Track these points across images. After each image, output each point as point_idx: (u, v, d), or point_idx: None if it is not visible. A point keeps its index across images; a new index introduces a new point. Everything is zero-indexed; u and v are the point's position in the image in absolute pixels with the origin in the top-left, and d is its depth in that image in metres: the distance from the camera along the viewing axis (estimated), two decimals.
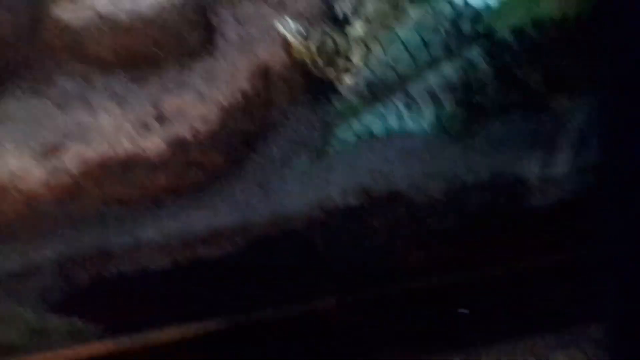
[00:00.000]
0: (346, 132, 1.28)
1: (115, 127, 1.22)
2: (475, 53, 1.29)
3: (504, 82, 1.28)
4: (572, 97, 1.26)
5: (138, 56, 1.30)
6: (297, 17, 1.40)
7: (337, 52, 1.36)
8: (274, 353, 1.16)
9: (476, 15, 1.22)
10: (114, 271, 1.10)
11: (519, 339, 1.22)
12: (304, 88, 1.37)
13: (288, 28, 1.34)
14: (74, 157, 1.19)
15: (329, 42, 1.36)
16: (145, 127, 1.23)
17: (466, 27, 1.28)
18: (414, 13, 1.32)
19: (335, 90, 1.34)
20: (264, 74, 1.36)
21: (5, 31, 1.28)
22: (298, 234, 1.10)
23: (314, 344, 1.15)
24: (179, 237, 1.10)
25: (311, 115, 1.33)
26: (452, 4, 1.17)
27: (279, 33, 1.36)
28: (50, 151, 1.20)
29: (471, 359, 1.20)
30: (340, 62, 1.37)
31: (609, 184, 0.86)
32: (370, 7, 1.46)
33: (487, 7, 1.10)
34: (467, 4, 1.08)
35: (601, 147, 0.89)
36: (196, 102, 1.27)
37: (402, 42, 1.31)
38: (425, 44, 1.31)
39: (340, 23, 1.47)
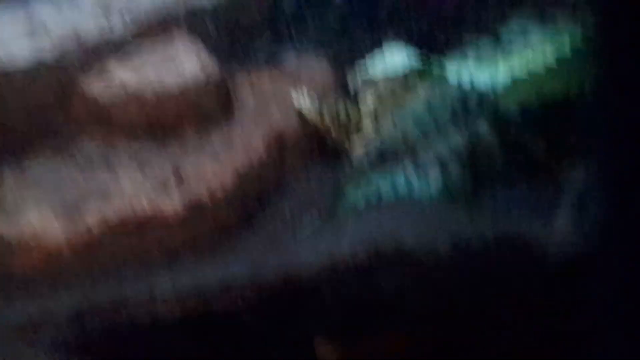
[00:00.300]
0: (356, 196, 1.32)
1: (135, 188, 1.28)
2: (481, 125, 1.35)
3: (508, 153, 1.33)
4: (573, 166, 1.31)
5: (160, 125, 1.37)
6: (311, 90, 1.48)
7: (349, 123, 1.43)
8: None
9: (483, 93, 1.28)
10: (127, 322, 1.12)
11: None
12: (317, 155, 1.43)
13: (303, 103, 1.42)
14: (95, 215, 1.24)
15: (342, 115, 1.43)
16: (164, 188, 1.28)
17: (473, 103, 1.35)
18: (423, 91, 1.40)
19: (347, 158, 1.39)
20: (278, 141, 1.42)
21: (37, 102, 1.36)
22: (306, 289, 1.13)
23: None
24: (192, 291, 1.13)
25: (323, 179, 1.38)
26: (459, 84, 1.24)
27: (294, 105, 1.43)
28: (72, 210, 1.25)
29: None
30: (353, 132, 1.43)
31: (610, 243, 0.89)
32: (381, 85, 1.55)
33: (493, 88, 1.17)
34: (473, 86, 1.15)
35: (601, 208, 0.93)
36: (213, 166, 1.33)
37: (412, 114, 1.38)
38: (434, 115, 1.37)
39: (353, 97, 1.55)
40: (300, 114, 1.43)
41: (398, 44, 1.21)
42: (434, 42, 1.54)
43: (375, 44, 1.60)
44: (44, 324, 1.12)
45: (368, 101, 1.52)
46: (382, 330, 1.13)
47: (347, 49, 1.63)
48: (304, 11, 1.71)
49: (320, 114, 1.41)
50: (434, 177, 1.33)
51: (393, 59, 1.22)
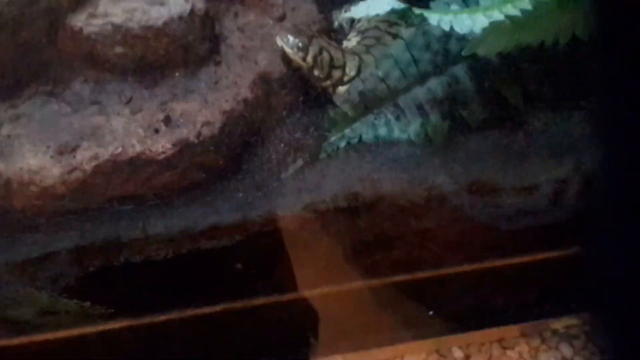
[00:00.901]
0: (338, 139, 1.38)
1: (126, 129, 1.33)
2: (460, 70, 1.40)
3: (485, 98, 1.39)
4: (548, 113, 1.37)
5: (148, 63, 1.40)
6: (297, 29, 1.51)
7: (333, 64, 1.47)
8: (268, 333, 1.27)
9: (462, 38, 1.32)
10: (121, 260, 1.20)
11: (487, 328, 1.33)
12: (301, 96, 1.47)
13: (286, 42, 1.44)
14: (88, 155, 1.29)
15: (325, 55, 1.46)
16: (154, 129, 1.33)
17: (453, 47, 1.39)
18: (405, 32, 1.43)
19: (330, 100, 1.44)
20: (264, 82, 1.46)
21: (24, 39, 1.37)
22: (289, 232, 1.21)
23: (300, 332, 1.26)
24: (182, 231, 1.21)
25: (306, 121, 1.43)
26: (440, 29, 1.27)
27: (278, 44, 1.46)
28: (65, 150, 1.30)
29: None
30: (336, 73, 1.47)
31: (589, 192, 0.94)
32: (365, 24, 1.57)
33: (472, 33, 1.20)
34: (452, 29, 1.18)
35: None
36: (201, 107, 1.38)
37: (394, 58, 1.42)
38: (415, 60, 1.41)
39: (337, 38, 1.58)
40: (284, 54, 1.46)
41: None
42: None
43: None
44: (42, 260, 1.20)
45: (352, 43, 1.55)
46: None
47: None
48: None
49: (304, 54, 1.44)
50: (413, 120, 1.39)
51: (377, 2, 1.25)
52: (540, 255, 1.33)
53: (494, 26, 1.18)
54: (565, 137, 1.28)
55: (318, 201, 1.22)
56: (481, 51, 1.24)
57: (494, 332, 1.37)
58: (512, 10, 1.21)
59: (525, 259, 1.31)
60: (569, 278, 1.22)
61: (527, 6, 1.20)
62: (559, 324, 1.39)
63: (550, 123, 1.35)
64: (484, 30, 1.19)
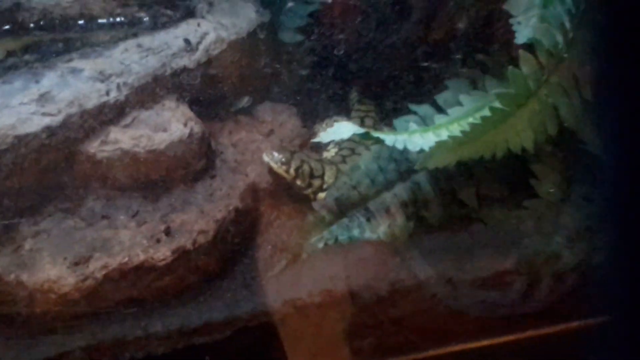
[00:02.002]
0: (317, 240, 1.58)
1: (132, 240, 1.53)
2: (421, 177, 1.60)
3: (444, 200, 1.58)
4: (498, 211, 1.56)
5: (153, 181, 1.62)
6: (280, 146, 1.73)
7: (312, 174, 1.68)
8: None
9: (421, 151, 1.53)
10: (126, 356, 1.39)
11: None
12: (286, 204, 1.68)
13: (271, 157, 1.67)
14: (99, 265, 1.49)
15: (306, 167, 1.68)
16: (156, 240, 1.54)
17: (414, 157, 1.60)
18: (374, 146, 1.65)
19: (311, 206, 1.65)
20: (253, 191, 1.68)
21: (46, 165, 1.60)
22: (272, 326, 1.39)
23: None
24: (178, 329, 1.39)
25: (290, 225, 1.63)
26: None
27: (265, 159, 1.69)
28: (80, 261, 1.50)
29: None
30: (315, 182, 1.69)
31: None
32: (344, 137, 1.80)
33: (422, 151, 1.41)
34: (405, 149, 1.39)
35: None
36: (197, 217, 1.58)
37: (364, 169, 1.63)
38: (382, 170, 1.62)
39: (317, 151, 1.80)
40: (270, 167, 1.68)
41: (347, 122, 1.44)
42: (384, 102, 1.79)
43: (337, 98, 1.85)
44: (59, 359, 1.38)
45: (331, 153, 1.78)
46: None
47: (313, 104, 1.89)
48: (277, 68, 1.96)
49: (287, 167, 1.66)
50: (382, 222, 1.58)
51: (341, 128, 1.47)
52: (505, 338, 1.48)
53: (439, 144, 1.39)
54: (511, 233, 1.46)
55: (296, 298, 1.41)
56: (430, 165, 1.45)
57: None
58: (456, 130, 1.42)
59: (486, 342, 1.46)
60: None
61: (467, 127, 1.41)
62: None
63: (502, 219, 1.54)
64: (430, 148, 1.39)
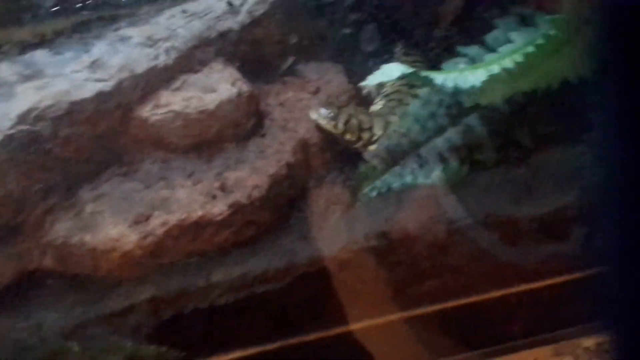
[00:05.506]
0: (370, 190, 1.58)
1: (189, 198, 1.56)
2: (473, 119, 1.58)
3: (498, 142, 1.57)
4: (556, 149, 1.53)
5: (205, 141, 1.65)
6: (327, 101, 1.74)
7: (361, 127, 1.68)
8: None
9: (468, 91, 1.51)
10: (191, 307, 1.42)
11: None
12: (337, 158, 1.69)
13: (319, 114, 1.67)
14: (159, 223, 1.53)
15: (354, 121, 1.68)
16: (212, 196, 1.56)
17: (463, 99, 1.58)
18: (422, 92, 1.63)
19: (361, 158, 1.65)
20: (303, 147, 1.69)
21: (102, 130, 1.64)
22: (330, 273, 1.40)
23: None
24: (239, 277, 1.42)
25: (343, 178, 1.64)
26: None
27: (312, 117, 1.69)
28: (140, 220, 1.54)
29: None
30: (364, 135, 1.68)
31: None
32: (389, 89, 1.79)
33: (473, 87, 1.39)
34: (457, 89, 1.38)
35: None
36: (250, 173, 1.61)
37: (414, 115, 1.62)
38: (432, 115, 1.61)
39: (364, 102, 1.80)
40: (318, 124, 1.69)
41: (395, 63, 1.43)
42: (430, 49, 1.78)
43: (381, 53, 1.85)
44: (125, 312, 1.42)
45: (378, 106, 1.77)
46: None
47: (358, 60, 1.88)
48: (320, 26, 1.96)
49: (335, 122, 1.67)
50: (435, 167, 1.58)
51: (388, 70, 1.46)
52: (565, 277, 1.46)
53: (491, 78, 1.37)
54: (569, 169, 1.44)
55: (352, 244, 1.42)
56: (482, 100, 1.43)
57: (528, 353, 1.49)
58: (509, 64, 1.40)
59: (549, 282, 1.45)
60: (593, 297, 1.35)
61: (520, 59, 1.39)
62: (590, 342, 1.51)
63: (559, 156, 1.51)
64: (483, 82, 1.38)
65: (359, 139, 1.66)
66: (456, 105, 1.60)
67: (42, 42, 1.73)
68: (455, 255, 1.42)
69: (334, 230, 1.47)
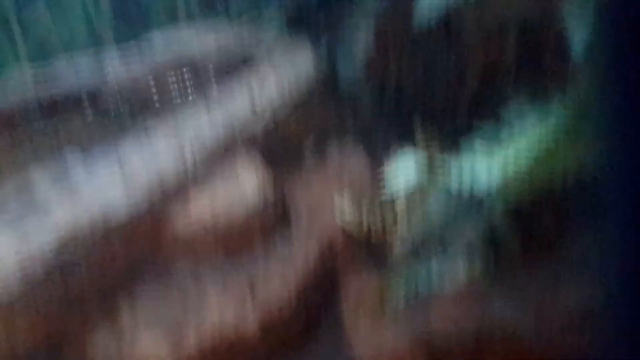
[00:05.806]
0: (397, 293, 1.59)
1: (221, 305, 1.60)
2: (495, 214, 1.59)
3: (521, 234, 1.57)
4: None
5: (234, 250, 1.69)
6: (351, 198, 1.77)
7: (384, 225, 1.71)
8: None
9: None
10: None
11: None
12: (362, 256, 1.71)
13: (344, 212, 1.71)
14: (192, 334, 1.56)
15: (377, 220, 1.71)
16: (243, 303, 1.60)
17: (482, 199, 1.59)
18: (441, 190, 1.65)
19: (386, 255, 1.66)
20: (329, 251, 1.72)
21: (136, 241, 1.69)
22: None
23: None
24: None
25: (369, 279, 1.66)
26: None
27: (337, 217, 1.73)
28: (174, 329, 1.58)
29: None
30: (388, 233, 1.70)
31: None
32: (411, 185, 1.81)
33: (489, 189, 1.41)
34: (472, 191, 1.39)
35: None
36: (280, 281, 1.64)
37: (436, 213, 1.64)
38: (454, 211, 1.62)
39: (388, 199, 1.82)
40: (343, 225, 1.72)
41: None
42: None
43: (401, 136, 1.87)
44: None
45: (400, 202, 1.79)
46: None
47: (376, 137, 1.92)
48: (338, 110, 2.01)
49: (360, 222, 1.70)
50: (461, 265, 1.58)
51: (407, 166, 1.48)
52: None
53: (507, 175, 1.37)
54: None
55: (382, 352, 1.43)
56: (498, 206, 1.44)
57: None
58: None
59: None
60: None
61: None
62: None
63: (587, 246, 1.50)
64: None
65: (383, 237, 1.68)
66: (477, 197, 1.61)
67: None
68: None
69: (365, 338, 1.49)
